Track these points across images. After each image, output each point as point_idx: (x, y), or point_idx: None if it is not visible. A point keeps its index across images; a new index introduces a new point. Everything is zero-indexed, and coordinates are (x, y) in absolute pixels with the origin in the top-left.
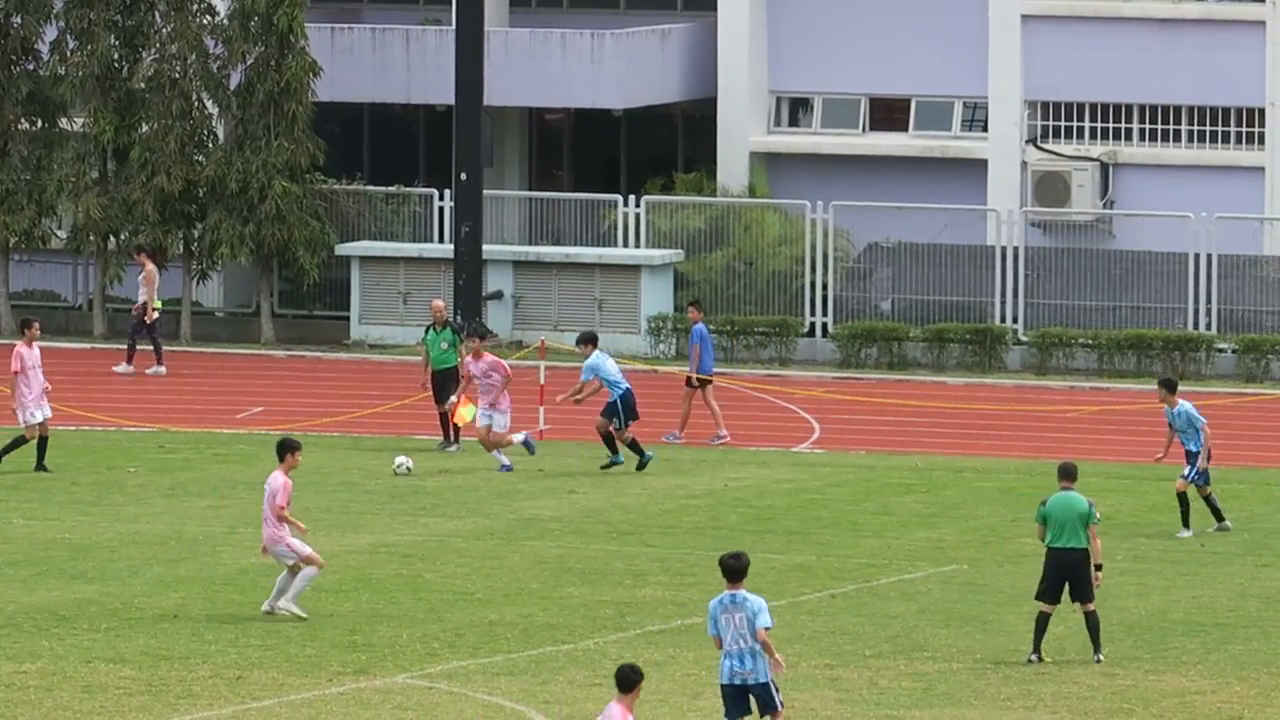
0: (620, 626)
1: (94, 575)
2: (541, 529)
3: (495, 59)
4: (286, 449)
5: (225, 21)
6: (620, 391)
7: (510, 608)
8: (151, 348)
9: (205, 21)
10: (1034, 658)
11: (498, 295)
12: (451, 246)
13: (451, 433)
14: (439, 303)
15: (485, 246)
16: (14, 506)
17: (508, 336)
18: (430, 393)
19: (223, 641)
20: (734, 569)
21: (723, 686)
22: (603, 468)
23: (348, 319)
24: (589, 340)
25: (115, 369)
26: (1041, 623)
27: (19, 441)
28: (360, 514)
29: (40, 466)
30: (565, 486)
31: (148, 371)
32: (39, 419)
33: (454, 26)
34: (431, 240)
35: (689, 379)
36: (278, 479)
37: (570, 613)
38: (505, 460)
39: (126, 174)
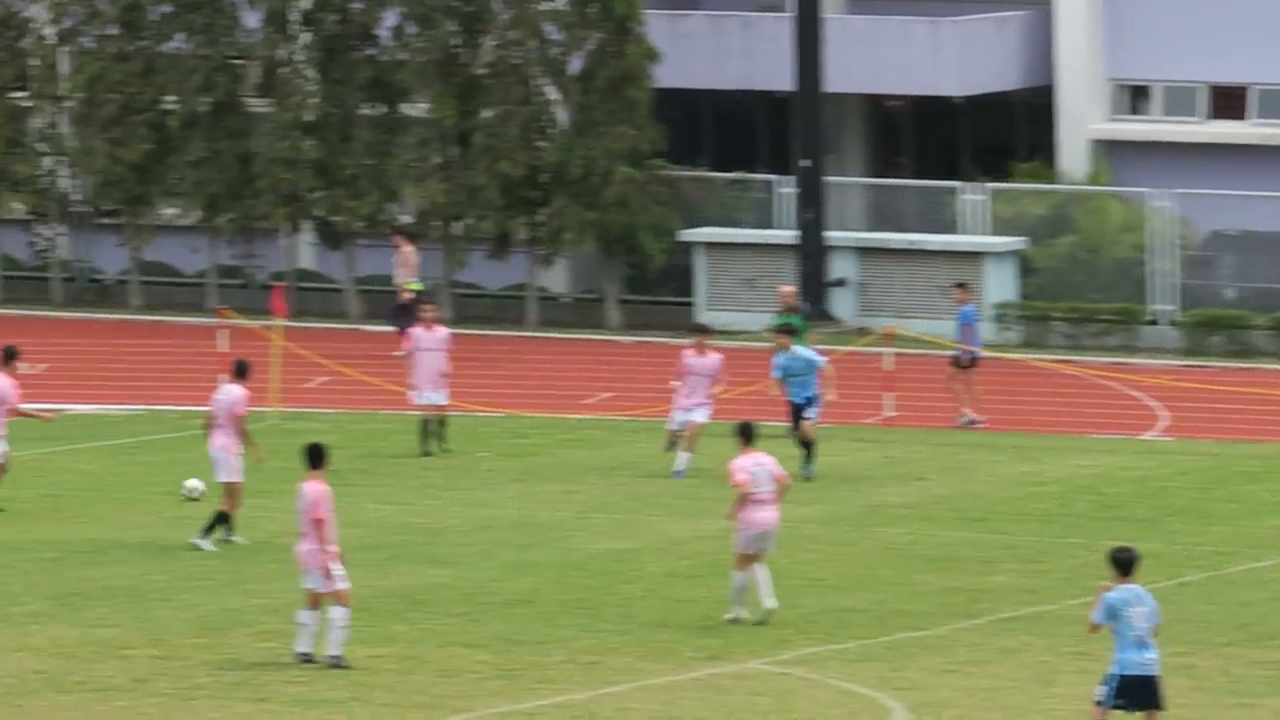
0: (972, 613)
1: (446, 560)
2: (891, 516)
3: (833, 45)
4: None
5: (564, 7)
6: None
7: (862, 594)
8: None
9: (545, 7)
10: None
11: (841, 282)
12: (794, 233)
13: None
14: (788, 288)
15: (828, 233)
16: (366, 492)
17: (852, 323)
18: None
19: (576, 626)
20: (1126, 562)
21: (1124, 678)
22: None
23: (693, 305)
24: (790, 332)
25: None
26: None
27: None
28: (710, 500)
29: (425, 452)
30: (913, 474)
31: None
32: (432, 402)
33: (792, 13)
34: (774, 227)
35: (956, 359)
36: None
37: (922, 599)
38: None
39: (469, 159)
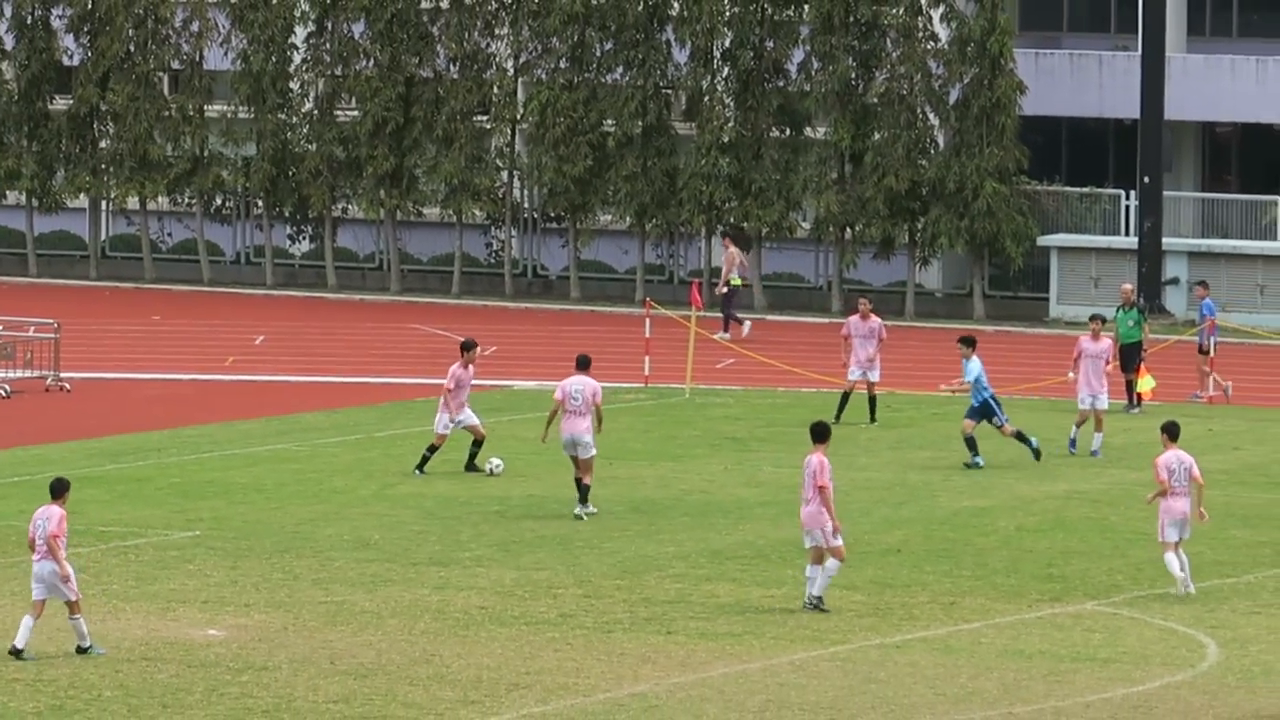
0: (1278, 564)
1: None
2: (1210, 479)
3: (1174, 79)
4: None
5: (946, 46)
6: (986, 394)
7: (1184, 546)
8: (724, 317)
9: (929, 46)
10: None
11: (1174, 281)
12: (1135, 239)
13: (1134, 398)
14: (1127, 286)
15: (1164, 239)
16: (764, 456)
17: (1183, 316)
18: (1118, 363)
19: (939, 572)
20: None
21: None
22: (966, 465)
23: (1047, 300)
24: (970, 343)
25: (714, 336)
26: None
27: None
28: (1056, 465)
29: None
30: (1230, 444)
31: (715, 336)
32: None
33: (1140, 52)
34: (1119, 234)
35: (1201, 346)
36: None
37: (1234, 551)
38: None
39: (861, 175)
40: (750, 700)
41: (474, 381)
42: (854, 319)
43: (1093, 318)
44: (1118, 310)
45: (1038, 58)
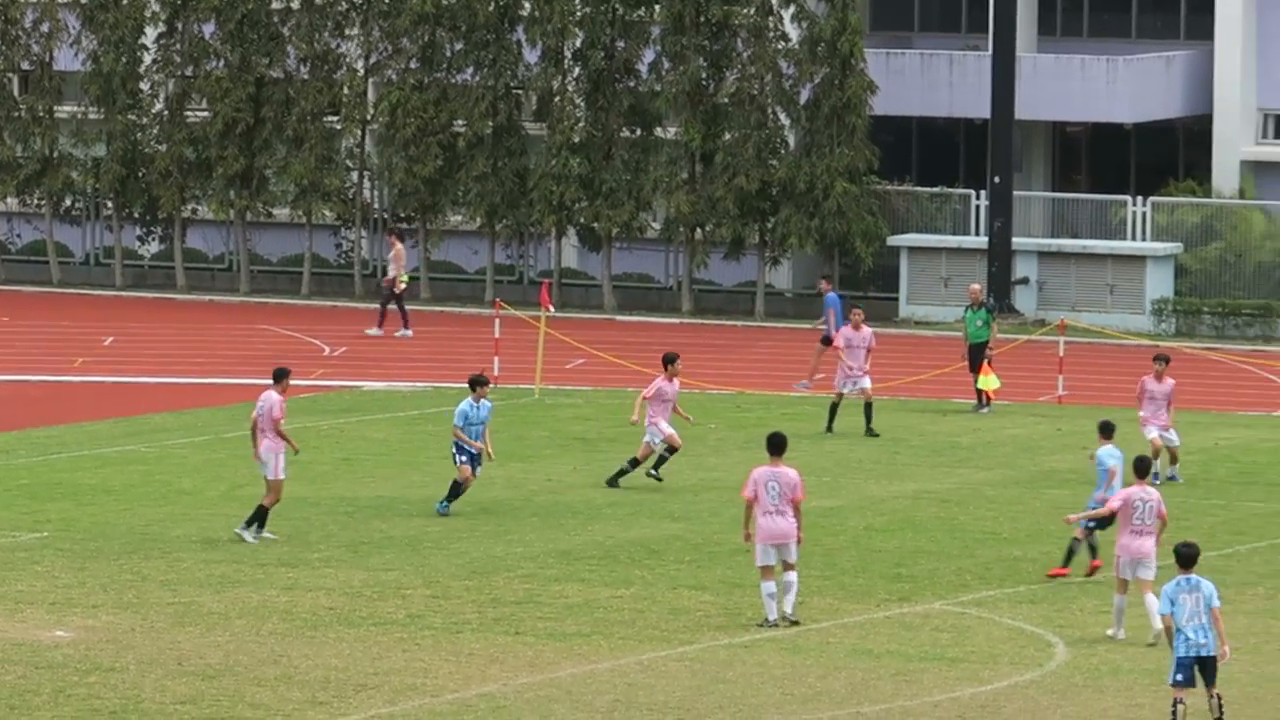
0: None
1: (679, 515)
2: (1060, 479)
3: (1025, 79)
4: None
5: (796, 46)
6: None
7: (1032, 546)
8: (399, 313)
9: (780, 46)
10: None
11: (1024, 281)
12: (986, 239)
13: (982, 397)
14: (976, 286)
15: (1014, 239)
16: (613, 456)
17: (1032, 316)
18: (966, 363)
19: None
20: (1188, 557)
21: (1180, 659)
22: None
23: (897, 299)
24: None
25: (366, 331)
26: None
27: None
28: (905, 465)
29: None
30: (1079, 444)
31: (396, 334)
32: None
33: (990, 52)
34: (969, 233)
35: (823, 338)
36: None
37: (1084, 551)
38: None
39: (711, 175)
40: (598, 700)
41: (325, 382)
42: (847, 329)
43: (1157, 358)
44: (966, 310)
45: (888, 57)
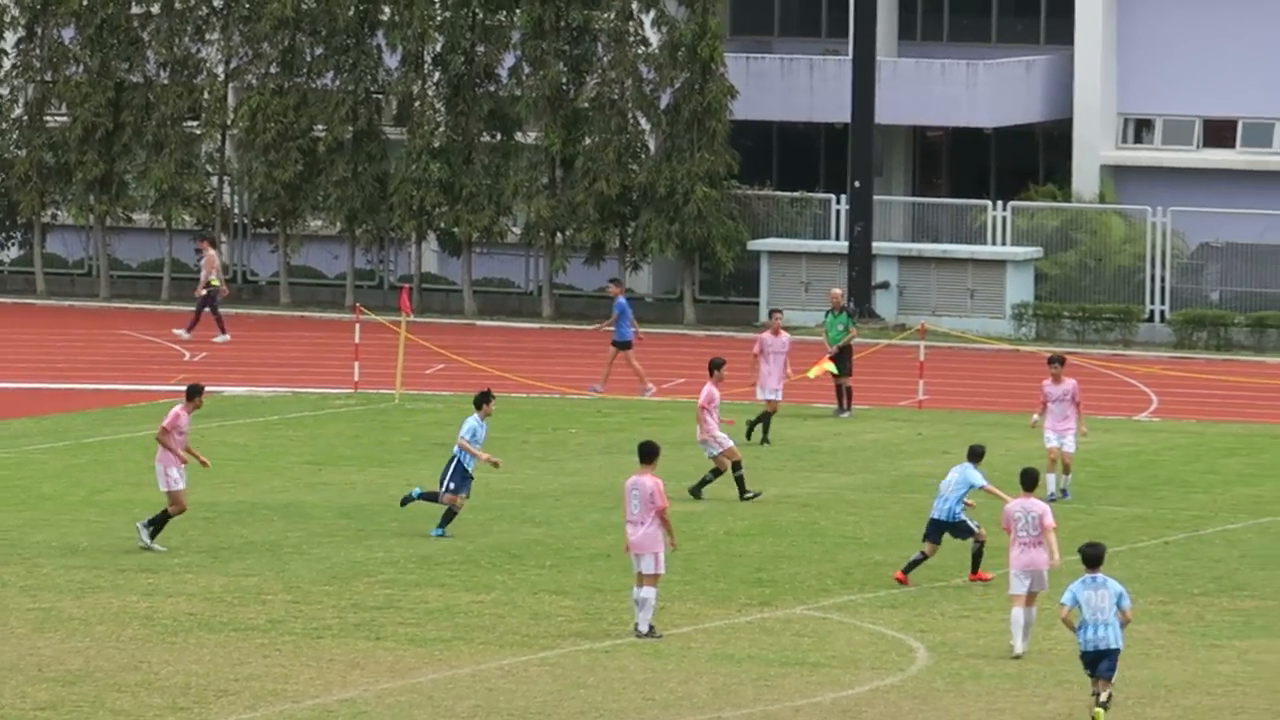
0: (988, 568)
1: (540, 520)
2: (920, 484)
3: (885, 84)
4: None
5: (657, 51)
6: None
7: (892, 550)
8: (214, 318)
9: (640, 51)
10: None
11: (885, 285)
12: (846, 243)
13: (843, 402)
14: (837, 290)
15: (874, 243)
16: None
17: (893, 321)
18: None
19: None
20: (1093, 557)
21: (1084, 654)
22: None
23: (758, 304)
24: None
25: (174, 331)
26: None
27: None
28: (766, 470)
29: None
30: (940, 448)
31: (215, 340)
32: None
33: (851, 56)
34: (829, 238)
35: (613, 342)
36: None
37: (943, 555)
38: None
39: (571, 180)
40: (459, 706)
41: (185, 388)
42: (766, 335)
43: (1052, 359)
44: (827, 314)
45: (748, 62)
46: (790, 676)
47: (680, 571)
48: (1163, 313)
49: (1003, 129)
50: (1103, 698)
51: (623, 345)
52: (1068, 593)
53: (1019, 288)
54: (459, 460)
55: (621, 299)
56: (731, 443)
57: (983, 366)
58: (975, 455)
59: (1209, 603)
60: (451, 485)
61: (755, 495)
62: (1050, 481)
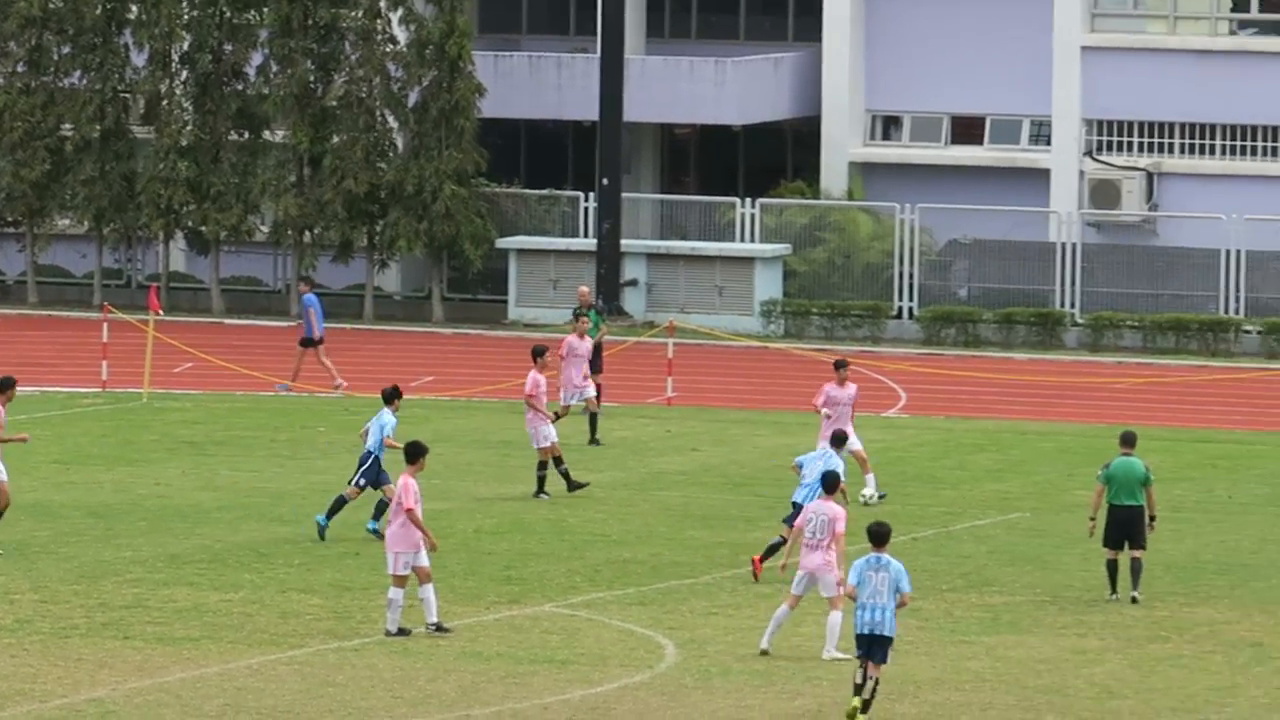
0: (735, 564)
1: (289, 518)
2: (668, 481)
3: (633, 81)
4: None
5: (405, 49)
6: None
7: (641, 547)
8: None
9: (388, 49)
10: (1113, 596)
11: (633, 282)
12: (594, 241)
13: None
14: (585, 288)
15: (623, 241)
16: (221, 460)
17: (641, 318)
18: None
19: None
20: (879, 535)
21: (858, 635)
22: None
23: (506, 302)
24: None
25: None
26: (1111, 568)
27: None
28: (515, 468)
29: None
30: (688, 445)
31: None
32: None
33: (599, 54)
34: (578, 235)
35: (302, 339)
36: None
37: (692, 552)
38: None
39: (320, 178)
40: (208, 705)
41: None
42: (572, 338)
43: (837, 364)
44: (574, 311)
45: (496, 60)
46: (539, 674)
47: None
48: (911, 309)
49: (751, 126)
50: (866, 692)
51: (311, 342)
52: (853, 570)
53: (767, 285)
54: (377, 457)
55: (310, 295)
56: (555, 438)
57: (731, 363)
58: (838, 441)
59: (958, 599)
60: (362, 481)
61: (583, 485)
62: (870, 481)
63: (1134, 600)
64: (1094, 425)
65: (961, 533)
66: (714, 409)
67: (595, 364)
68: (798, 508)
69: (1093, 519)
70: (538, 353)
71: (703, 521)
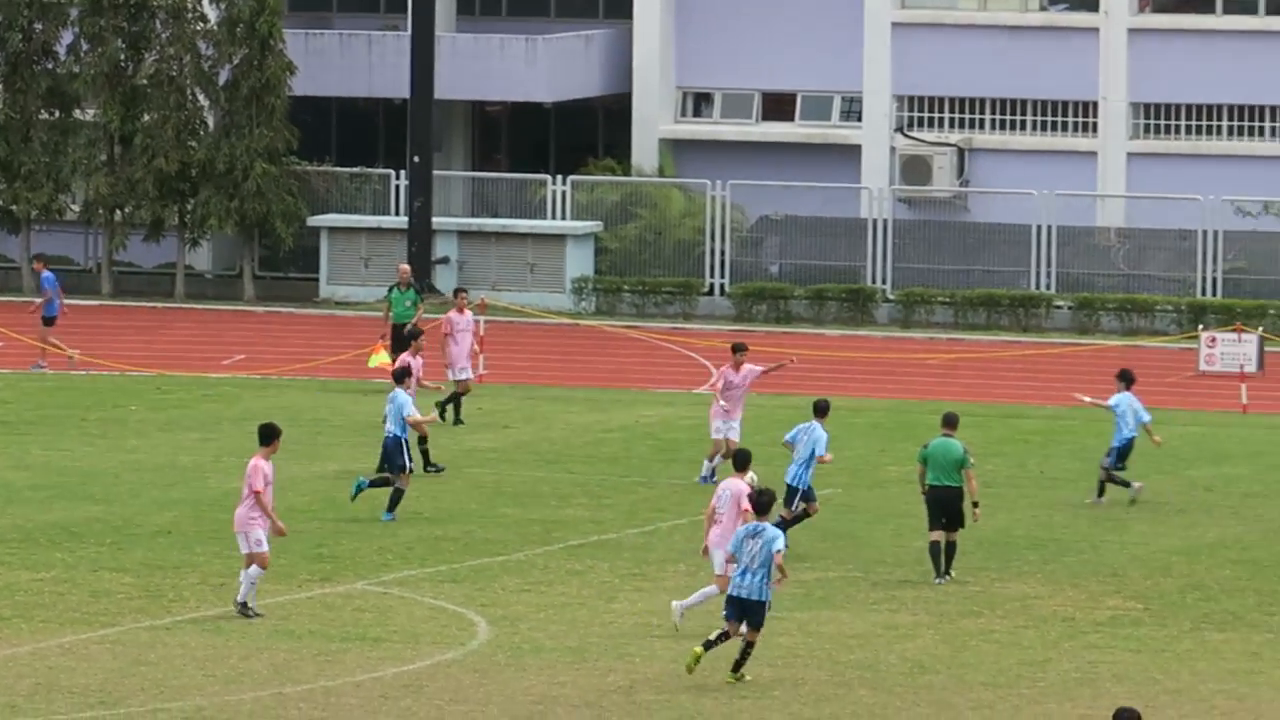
0: (546, 541)
1: (100, 497)
2: (480, 458)
3: (444, 59)
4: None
5: (215, 27)
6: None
7: (453, 525)
8: None
9: (199, 27)
10: (939, 580)
11: (445, 260)
12: (406, 219)
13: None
14: (405, 266)
15: (434, 218)
16: (33, 439)
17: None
18: (388, 343)
19: (209, 554)
20: (760, 503)
21: (729, 597)
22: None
23: (318, 280)
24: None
25: None
26: (933, 550)
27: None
28: (327, 445)
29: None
30: (500, 422)
31: None
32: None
33: (409, 31)
34: (389, 213)
35: (44, 318)
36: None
37: (504, 529)
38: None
39: (130, 157)
40: (19, 684)
41: None
42: (453, 314)
43: (735, 347)
44: (392, 289)
45: (307, 38)
46: (351, 652)
47: (236, 547)
48: (723, 286)
49: (562, 104)
50: (738, 653)
51: (52, 320)
52: (735, 538)
53: (579, 262)
54: (401, 439)
55: (47, 274)
56: (420, 415)
57: (543, 341)
58: (820, 411)
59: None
60: (408, 462)
61: (440, 469)
62: (705, 465)
63: (942, 580)
64: (905, 401)
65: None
66: (526, 386)
67: (406, 342)
68: (790, 489)
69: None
70: (412, 336)
71: (514, 499)
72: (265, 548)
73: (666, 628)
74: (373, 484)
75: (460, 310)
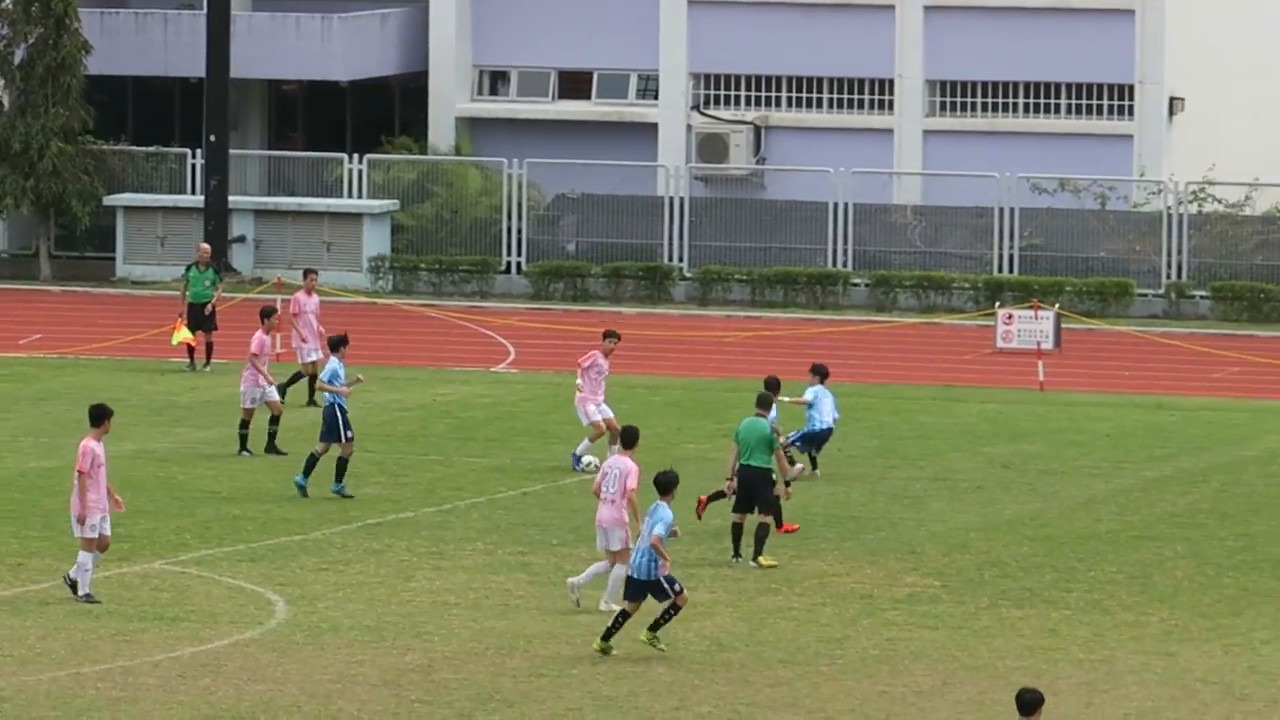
0: (345, 520)
1: None
2: (282, 439)
3: (240, 38)
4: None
5: (10, 6)
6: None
7: (250, 504)
8: None
9: None
10: (735, 559)
11: (241, 239)
12: (202, 198)
13: (193, 355)
14: (206, 246)
15: (231, 197)
16: None
17: (250, 274)
18: (185, 322)
19: (5, 534)
20: (663, 484)
21: (627, 578)
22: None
23: (114, 259)
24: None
25: None
26: (735, 530)
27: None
28: (123, 425)
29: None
30: (297, 401)
31: None
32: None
33: (205, 10)
34: (185, 192)
35: None
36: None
37: (301, 508)
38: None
39: None
40: None
41: None
42: (300, 295)
43: (607, 334)
44: (190, 268)
45: (103, 17)
46: (149, 631)
47: (39, 527)
48: (520, 264)
49: (358, 82)
50: (651, 625)
51: None
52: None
53: (376, 240)
54: (337, 404)
55: None
56: (276, 397)
57: (339, 319)
58: (820, 373)
59: (568, 553)
60: (350, 433)
61: (283, 454)
62: (582, 444)
63: (753, 564)
64: (703, 379)
65: (572, 487)
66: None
67: (209, 322)
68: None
69: (730, 479)
70: (265, 313)
71: (312, 478)
72: (108, 531)
73: (464, 605)
74: (306, 470)
75: (309, 292)
